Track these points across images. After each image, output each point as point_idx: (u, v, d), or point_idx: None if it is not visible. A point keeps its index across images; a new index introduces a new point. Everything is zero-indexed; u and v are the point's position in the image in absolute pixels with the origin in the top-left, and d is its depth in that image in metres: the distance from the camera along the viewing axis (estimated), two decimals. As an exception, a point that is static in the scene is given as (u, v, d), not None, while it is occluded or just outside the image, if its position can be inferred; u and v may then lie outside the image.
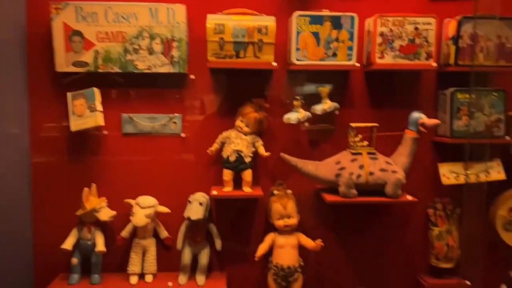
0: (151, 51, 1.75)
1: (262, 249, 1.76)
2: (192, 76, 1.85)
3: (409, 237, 1.95)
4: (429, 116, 1.76)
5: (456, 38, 1.75)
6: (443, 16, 1.81)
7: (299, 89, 1.89)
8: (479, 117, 1.77)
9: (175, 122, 1.86)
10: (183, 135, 1.86)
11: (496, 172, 1.83)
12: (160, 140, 1.86)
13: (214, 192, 1.74)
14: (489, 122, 1.76)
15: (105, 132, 1.83)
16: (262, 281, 1.85)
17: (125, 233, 1.80)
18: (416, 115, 1.76)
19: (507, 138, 1.78)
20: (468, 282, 1.84)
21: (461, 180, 1.82)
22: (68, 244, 1.75)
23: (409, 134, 1.77)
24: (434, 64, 1.74)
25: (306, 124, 1.87)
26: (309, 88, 1.88)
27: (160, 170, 1.87)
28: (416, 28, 1.72)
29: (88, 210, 1.71)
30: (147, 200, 1.77)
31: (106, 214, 1.74)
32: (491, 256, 1.93)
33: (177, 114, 1.86)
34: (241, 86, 1.87)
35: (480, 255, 1.94)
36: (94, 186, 1.77)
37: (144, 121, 1.84)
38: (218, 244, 1.83)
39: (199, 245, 1.82)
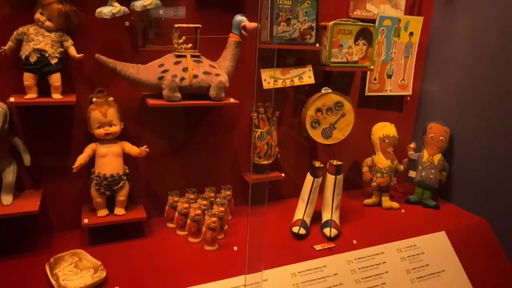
0: None
1: (80, 159, 1.62)
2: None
3: (235, 139, 2.08)
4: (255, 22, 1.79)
5: None
6: None
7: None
8: (295, 24, 1.89)
9: None
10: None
11: (307, 77, 2.04)
12: None
13: (12, 99, 1.47)
14: (302, 30, 1.91)
15: None
16: (85, 193, 1.74)
17: None
18: (239, 18, 1.76)
19: (317, 45, 1.98)
20: (282, 174, 2.13)
21: (279, 84, 1.99)
22: None
23: (233, 38, 1.78)
24: (256, -34, 1.73)
25: (127, 23, 1.70)
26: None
27: None
28: None
29: None
30: None
31: None
32: (301, 150, 2.27)
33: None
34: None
35: (293, 150, 2.25)
36: None
37: None
38: (27, 159, 1.60)
39: (2, 162, 1.57)
